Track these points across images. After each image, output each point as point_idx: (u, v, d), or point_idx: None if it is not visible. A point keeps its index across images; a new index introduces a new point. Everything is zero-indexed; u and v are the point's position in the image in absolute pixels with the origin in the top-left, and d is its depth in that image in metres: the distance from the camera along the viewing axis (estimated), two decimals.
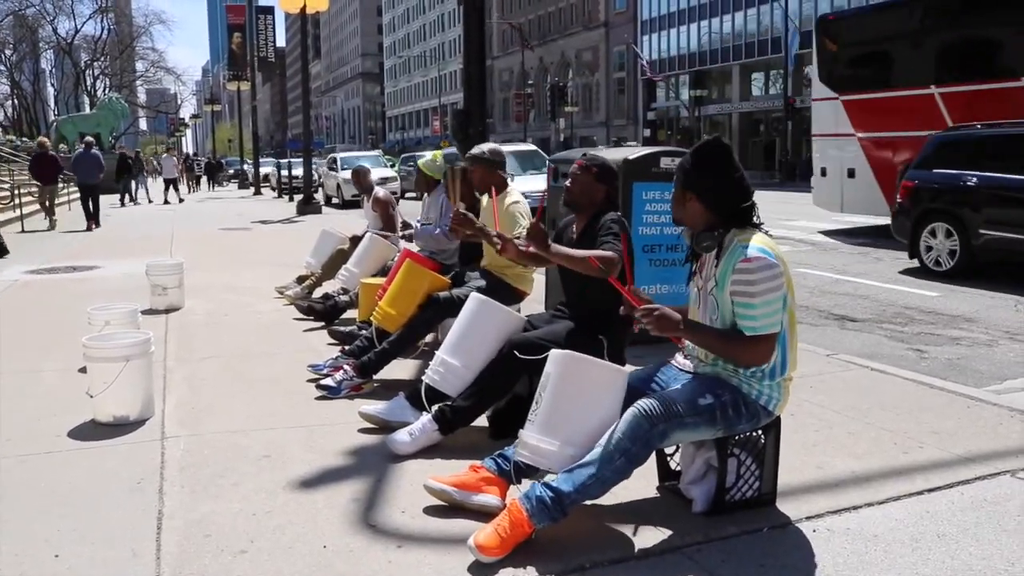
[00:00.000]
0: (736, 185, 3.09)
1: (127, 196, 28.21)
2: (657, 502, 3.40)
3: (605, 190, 4.18)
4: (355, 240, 7.63)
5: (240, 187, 38.64)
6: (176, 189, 30.44)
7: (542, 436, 3.05)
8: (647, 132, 59.34)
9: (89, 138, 20.67)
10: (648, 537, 3.06)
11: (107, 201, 25.38)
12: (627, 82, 65.68)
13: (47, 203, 18.22)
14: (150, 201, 28.85)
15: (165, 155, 34.14)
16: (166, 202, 28.31)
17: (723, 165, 3.09)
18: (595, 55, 69.56)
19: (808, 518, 3.24)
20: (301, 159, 23.61)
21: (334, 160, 27.90)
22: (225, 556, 2.93)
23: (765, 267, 2.95)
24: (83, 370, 5.36)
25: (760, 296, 2.94)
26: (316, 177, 32.44)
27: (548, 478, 2.99)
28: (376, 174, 22.37)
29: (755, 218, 3.13)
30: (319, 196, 26.07)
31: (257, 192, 32.81)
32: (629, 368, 3.42)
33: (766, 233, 3.13)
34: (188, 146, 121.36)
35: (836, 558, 2.92)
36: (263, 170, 36.47)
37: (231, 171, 45.38)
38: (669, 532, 3.09)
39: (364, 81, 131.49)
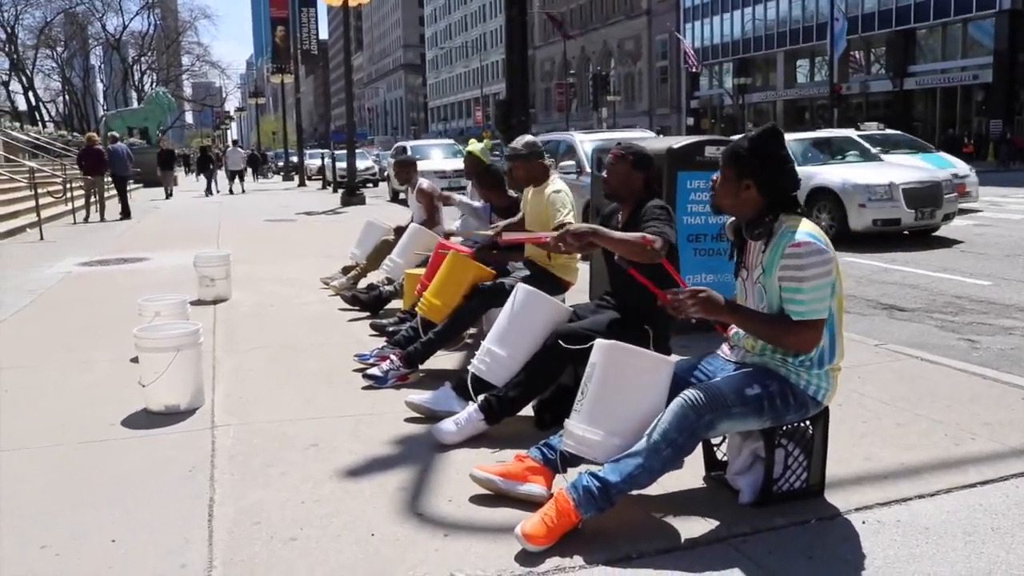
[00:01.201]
0: (792, 172, 3.07)
1: (211, 185, 30.21)
2: (703, 492, 3.38)
3: (643, 177, 4.15)
4: (399, 231, 7.68)
5: (284, 179, 39.01)
6: (241, 180, 32.22)
7: (588, 426, 3.05)
8: (690, 121, 58.92)
9: (114, 133, 22.11)
10: (695, 527, 3.05)
11: (151, 194, 27.21)
12: (670, 70, 65.19)
13: (94, 195, 18.63)
14: (218, 191, 30.28)
15: (231, 148, 35.81)
16: (231, 192, 30.22)
17: (781, 152, 3.07)
18: (637, 44, 69.09)
19: (857, 510, 3.20)
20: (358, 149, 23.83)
21: (403, 149, 23.44)
22: (275, 543, 2.97)
23: (815, 252, 2.92)
24: (135, 360, 5.48)
25: (809, 281, 2.91)
26: (376, 169, 32.54)
27: (595, 468, 2.99)
28: (450, 165, 22.01)
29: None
30: (383, 189, 26.03)
31: (302, 184, 33.10)
32: (675, 358, 3.40)
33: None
34: (233, 139, 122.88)
35: (886, 550, 2.88)
36: (308, 162, 36.51)
37: (279, 163, 45.61)
38: (716, 523, 3.08)
39: (406, 72, 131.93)
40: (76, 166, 20.04)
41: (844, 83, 45.64)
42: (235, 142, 48.55)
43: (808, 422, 3.23)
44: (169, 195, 26.97)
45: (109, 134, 21.71)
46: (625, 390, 3.06)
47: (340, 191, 23.12)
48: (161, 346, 4.43)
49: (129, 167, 19.78)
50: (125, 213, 18.47)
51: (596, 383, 3.08)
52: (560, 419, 3.95)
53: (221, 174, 32.91)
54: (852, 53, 46.67)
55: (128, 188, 19.69)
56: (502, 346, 3.98)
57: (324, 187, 30.38)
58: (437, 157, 23.64)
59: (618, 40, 71.56)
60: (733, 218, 3.26)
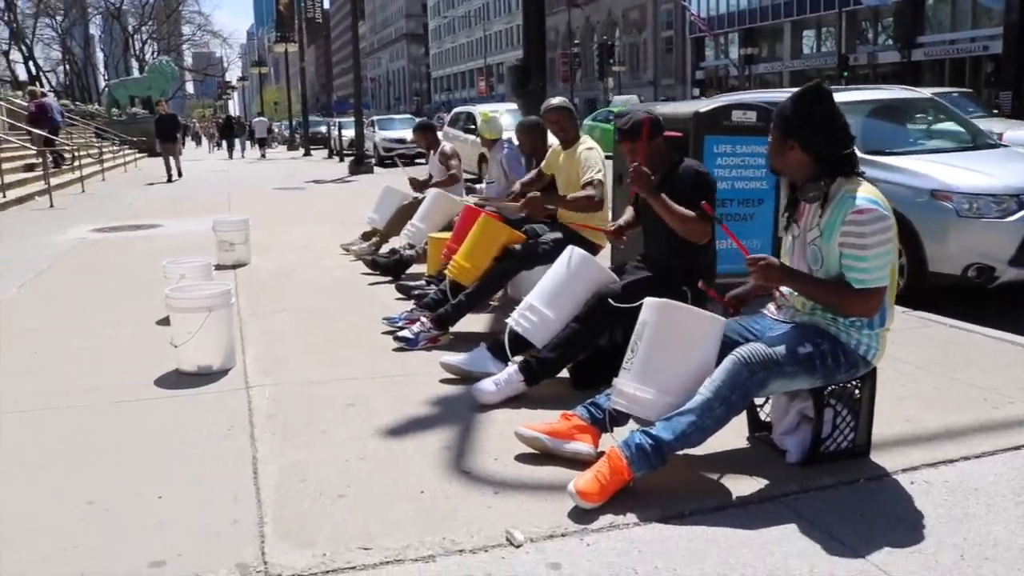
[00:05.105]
0: (840, 131, 3.00)
1: (232, 151, 34.14)
2: (749, 452, 3.37)
3: (661, 140, 4.09)
4: (415, 183, 8.06)
5: (289, 149, 38.88)
6: (264, 146, 35.22)
7: (639, 384, 3.03)
8: (695, 91, 58.45)
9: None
10: (744, 486, 3.04)
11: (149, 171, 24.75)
12: (675, 41, 64.61)
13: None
14: (242, 156, 33.85)
15: (257, 119, 39.76)
16: (262, 156, 33.02)
17: (826, 110, 3.00)
18: (642, 13, 68.44)
19: (904, 470, 3.19)
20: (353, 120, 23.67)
21: (468, 116, 19.11)
22: (324, 500, 2.96)
23: (877, 219, 2.88)
24: (161, 322, 5.48)
25: (872, 248, 2.87)
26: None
27: (647, 426, 2.96)
28: (409, 134, 22.12)
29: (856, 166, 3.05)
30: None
31: (307, 153, 32.96)
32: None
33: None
34: (234, 109, 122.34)
35: (938, 509, 2.87)
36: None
37: (284, 133, 45.78)
38: (765, 482, 3.07)
39: (409, 42, 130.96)
40: (84, 136, 19.98)
41: (851, 53, 45.24)
42: (260, 113, 50.47)
43: (856, 382, 3.21)
44: (171, 176, 20.39)
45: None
46: (676, 348, 3.04)
47: (347, 160, 23.03)
48: (194, 306, 4.41)
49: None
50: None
51: (647, 341, 3.05)
52: (597, 381, 3.96)
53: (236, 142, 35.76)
54: (862, 22, 46.23)
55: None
56: (550, 307, 3.96)
57: (330, 156, 30.25)
58: (398, 128, 26.38)
59: (623, 9, 70.88)
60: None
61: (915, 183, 6.27)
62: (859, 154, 6.37)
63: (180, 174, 20.77)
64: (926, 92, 8.53)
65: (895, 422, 3.65)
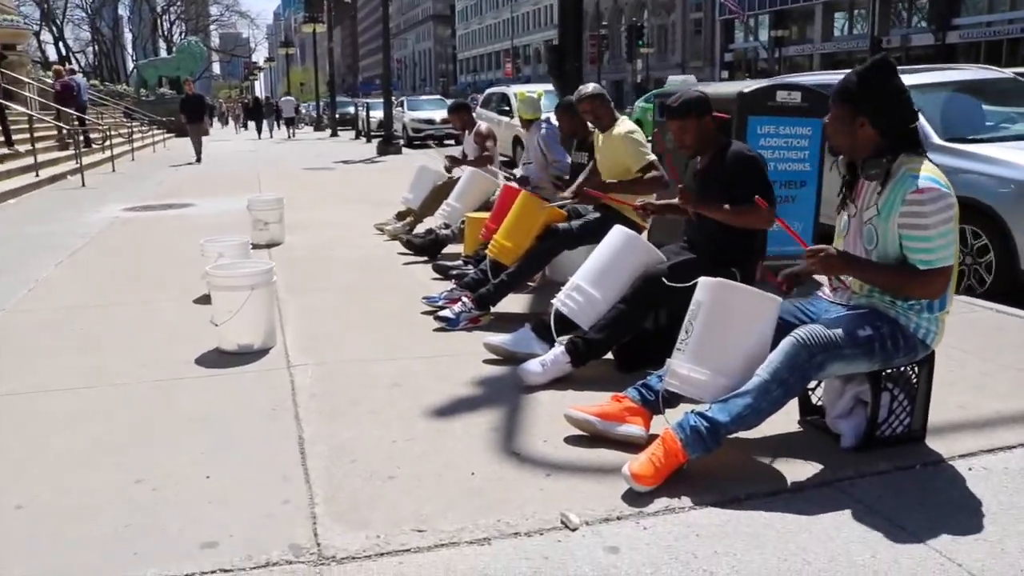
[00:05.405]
0: (907, 104, 2.92)
1: (261, 131, 34.79)
2: (801, 437, 3.31)
3: (709, 120, 4.02)
4: (452, 160, 8.09)
5: (316, 129, 38.92)
6: (293, 126, 35.44)
7: (694, 365, 2.97)
8: (724, 74, 57.90)
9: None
10: (799, 471, 2.99)
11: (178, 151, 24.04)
12: (704, 22, 63.97)
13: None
14: (270, 136, 34.52)
15: (285, 98, 40.13)
16: (289, 137, 33.30)
17: (896, 84, 2.92)
18: None
19: (961, 456, 3.13)
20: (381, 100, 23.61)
21: (502, 96, 17.76)
22: (375, 481, 2.93)
23: (938, 197, 2.81)
24: (199, 301, 5.48)
25: (935, 228, 2.80)
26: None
27: (701, 408, 2.92)
28: (438, 115, 24.74)
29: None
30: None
31: (334, 134, 32.96)
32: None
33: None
34: (261, 90, 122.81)
35: (998, 496, 2.82)
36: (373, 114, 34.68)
37: (312, 114, 45.65)
38: (819, 466, 3.02)
39: (435, 23, 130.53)
40: (116, 116, 20.00)
41: (884, 36, 44.59)
42: (287, 93, 51.14)
43: (913, 365, 3.14)
44: (200, 156, 19.74)
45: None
46: (732, 328, 2.99)
47: (376, 140, 23.03)
48: (236, 284, 4.39)
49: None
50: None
51: (702, 322, 2.99)
52: (641, 362, 3.92)
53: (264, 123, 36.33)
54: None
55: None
56: (598, 287, 3.91)
57: (357, 137, 30.24)
58: (427, 109, 27.27)
59: None
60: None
61: (1003, 173, 5.83)
62: (940, 142, 6.02)
63: (199, 159, 19.50)
64: (1007, 72, 7.72)
65: (947, 408, 3.58)
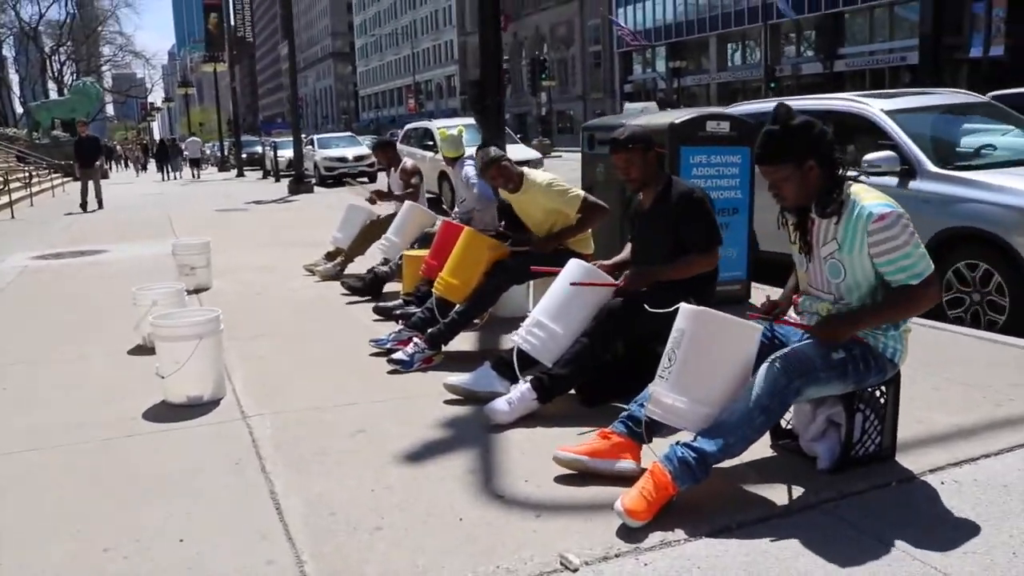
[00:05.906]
0: (831, 136, 3.03)
1: (165, 172, 34.62)
2: (778, 461, 3.34)
3: (654, 154, 4.08)
4: (379, 194, 8.13)
5: (220, 170, 38.23)
6: (198, 167, 36.11)
7: (677, 395, 2.97)
8: (626, 104, 59.10)
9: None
10: (781, 495, 3.02)
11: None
12: (603, 55, 65.34)
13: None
14: (174, 177, 34.25)
15: (190, 139, 39.84)
16: (195, 178, 33.42)
17: (809, 121, 3.01)
18: (569, 29, 69.09)
19: (931, 471, 3.21)
20: (288, 139, 23.41)
21: (425, 131, 18.09)
22: (361, 534, 2.83)
23: (898, 217, 2.92)
24: (134, 352, 5.26)
25: (909, 244, 2.91)
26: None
27: (686, 439, 2.92)
28: (351, 152, 25.84)
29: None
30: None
31: (240, 174, 32.39)
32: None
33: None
34: (159, 131, 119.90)
35: (975, 508, 2.89)
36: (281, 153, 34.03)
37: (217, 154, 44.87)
38: (801, 489, 3.05)
39: (335, 61, 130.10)
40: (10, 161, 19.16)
41: (776, 64, 46.32)
42: (193, 133, 49.57)
43: (882, 385, 3.21)
44: (86, 204, 17.58)
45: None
46: (714, 357, 3.00)
47: (285, 180, 22.72)
48: (183, 334, 4.23)
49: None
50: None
51: (685, 350, 3.00)
52: (603, 396, 3.91)
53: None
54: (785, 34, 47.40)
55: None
56: (558, 322, 3.89)
57: (265, 176, 29.78)
58: (339, 146, 27.37)
59: (550, 25, 71.47)
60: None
61: (1011, 201, 5.48)
62: (935, 169, 5.85)
63: (101, 205, 17.89)
64: (983, 97, 7.57)
65: (907, 423, 3.64)
